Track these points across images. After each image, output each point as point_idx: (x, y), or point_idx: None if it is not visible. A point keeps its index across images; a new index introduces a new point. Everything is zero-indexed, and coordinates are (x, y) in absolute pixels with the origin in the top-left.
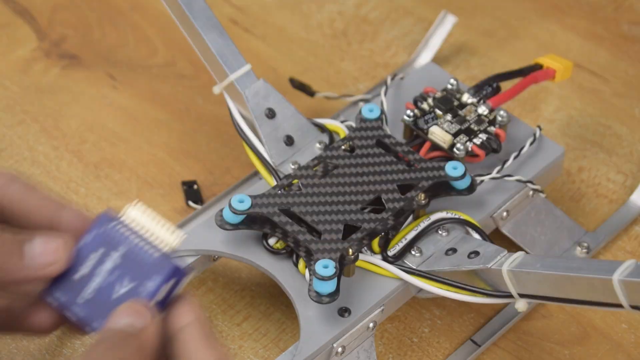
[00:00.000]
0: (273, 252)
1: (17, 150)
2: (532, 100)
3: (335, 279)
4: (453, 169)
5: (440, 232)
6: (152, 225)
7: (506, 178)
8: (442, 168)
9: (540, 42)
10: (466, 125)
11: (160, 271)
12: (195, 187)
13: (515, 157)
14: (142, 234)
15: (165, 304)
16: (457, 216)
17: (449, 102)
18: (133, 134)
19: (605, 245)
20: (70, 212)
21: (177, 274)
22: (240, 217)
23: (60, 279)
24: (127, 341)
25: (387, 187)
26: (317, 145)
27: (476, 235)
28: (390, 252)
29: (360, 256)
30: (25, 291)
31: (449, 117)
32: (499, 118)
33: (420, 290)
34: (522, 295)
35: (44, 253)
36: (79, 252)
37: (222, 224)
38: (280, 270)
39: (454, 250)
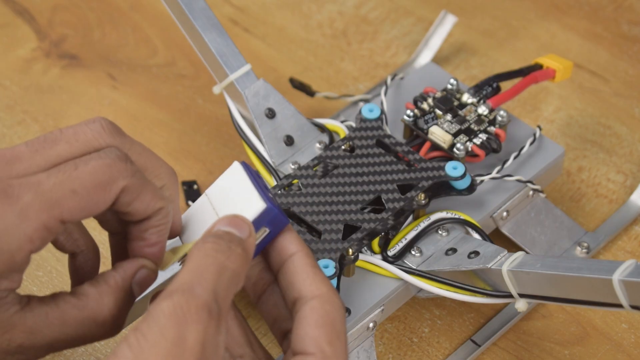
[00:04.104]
0: None
1: None
2: (532, 100)
3: (335, 279)
4: (453, 169)
5: (440, 232)
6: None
7: (506, 178)
8: (442, 168)
9: (540, 42)
10: (466, 125)
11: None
12: (195, 187)
13: (515, 157)
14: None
15: (263, 247)
16: (457, 216)
17: (449, 102)
18: (133, 134)
19: (605, 245)
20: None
21: (271, 216)
22: None
23: None
24: (232, 244)
25: (387, 187)
26: (317, 145)
27: (476, 235)
28: (390, 252)
29: (360, 256)
30: None
31: (449, 117)
32: (499, 118)
33: (420, 290)
34: (522, 295)
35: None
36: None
37: None
38: None
39: (454, 250)
